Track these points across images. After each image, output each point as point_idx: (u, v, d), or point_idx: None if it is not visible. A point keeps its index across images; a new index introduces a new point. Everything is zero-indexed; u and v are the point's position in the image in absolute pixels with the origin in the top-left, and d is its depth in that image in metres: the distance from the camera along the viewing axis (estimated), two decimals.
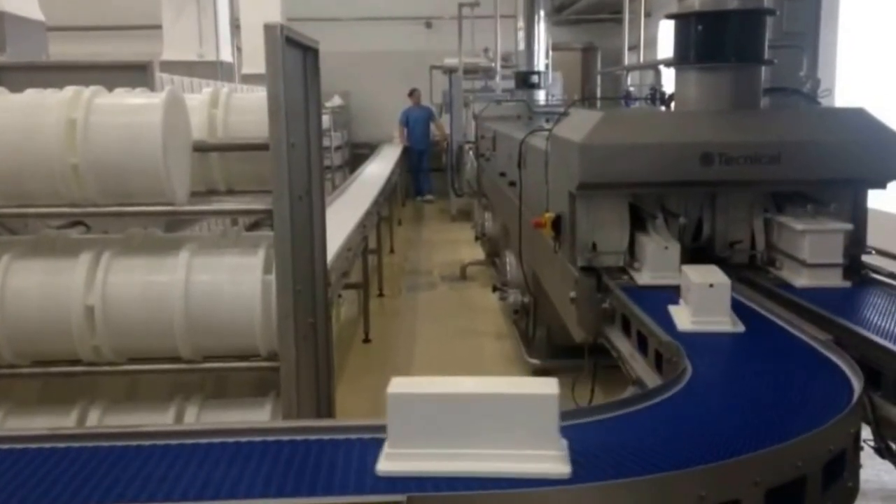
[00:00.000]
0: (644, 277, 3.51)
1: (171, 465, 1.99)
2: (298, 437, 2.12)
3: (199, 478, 1.92)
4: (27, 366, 3.33)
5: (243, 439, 2.12)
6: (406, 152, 16.68)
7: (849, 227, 3.52)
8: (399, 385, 1.97)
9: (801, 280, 3.46)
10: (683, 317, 2.96)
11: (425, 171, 17.75)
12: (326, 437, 2.12)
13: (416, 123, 17.38)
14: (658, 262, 3.50)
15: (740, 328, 2.88)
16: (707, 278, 2.95)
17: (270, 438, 2.12)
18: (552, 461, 1.88)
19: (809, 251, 3.45)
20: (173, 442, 2.12)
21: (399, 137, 17.48)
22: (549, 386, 1.93)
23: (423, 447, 1.91)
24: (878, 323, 2.93)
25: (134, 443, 2.12)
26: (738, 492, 1.90)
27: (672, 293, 3.19)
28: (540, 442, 1.88)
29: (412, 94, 17.60)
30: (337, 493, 1.83)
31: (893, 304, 3.20)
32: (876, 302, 3.25)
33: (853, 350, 2.64)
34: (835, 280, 3.44)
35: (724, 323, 2.90)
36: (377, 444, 1.99)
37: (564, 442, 1.96)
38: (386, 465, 1.91)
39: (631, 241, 3.73)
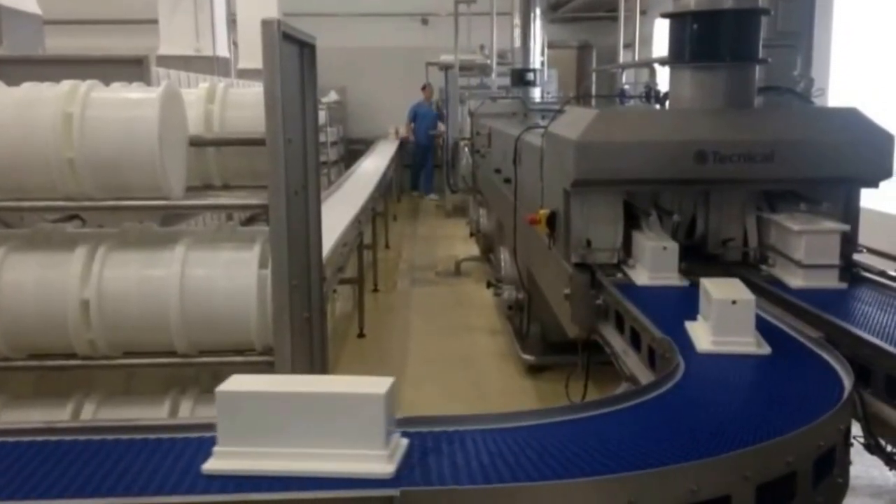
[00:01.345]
0: (642, 278, 3.52)
1: (165, 459, 2.00)
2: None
3: (193, 471, 1.92)
4: (22, 359, 3.33)
5: None
6: (403, 147, 16.66)
7: (845, 227, 3.53)
8: (231, 383, 1.97)
9: (797, 281, 3.45)
10: (703, 336, 2.72)
11: (430, 167, 17.72)
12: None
13: (424, 119, 17.36)
14: (656, 262, 3.50)
15: (766, 350, 2.63)
16: (729, 294, 2.70)
17: None
18: (378, 461, 1.88)
19: (805, 252, 3.44)
20: (168, 436, 2.13)
21: (407, 132, 17.47)
22: (378, 386, 1.93)
23: (253, 446, 1.90)
24: (869, 320, 2.95)
25: (129, 436, 2.13)
26: (729, 487, 1.92)
27: (667, 291, 3.21)
28: (367, 442, 1.88)
29: (424, 88, 17.54)
30: (164, 494, 1.83)
31: (884, 302, 3.22)
32: (867, 300, 3.27)
33: (844, 347, 2.66)
34: (830, 281, 3.43)
35: (748, 344, 2.65)
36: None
37: (404, 442, 1.97)
38: (213, 463, 1.91)
39: (625, 238, 3.75)
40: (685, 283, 3.48)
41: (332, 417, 1.89)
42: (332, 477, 1.84)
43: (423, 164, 17.68)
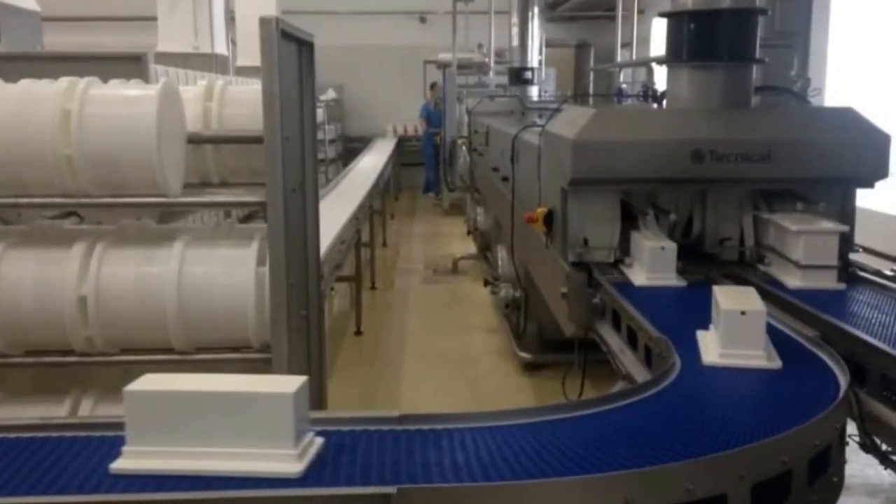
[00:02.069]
0: (640, 278, 3.51)
1: (76, 458, 1.99)
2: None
3: (101, 471, 1.92)
4: (20, 355, 3.34)
5: None
6: (400, 145, 16.64)
7: (844, 228, 3.53)
8: (140, 383, 1.97)
9: (795, 281, 3.44)
10: (711, 347, 2.61)
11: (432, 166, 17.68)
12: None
13: (435, 117, 17.34)
14: (654, 262, 3.50)
15: (776, 364, 2.52)
16: (739, 304, 2.58)
17: None
18: (286, 460, 1.88)
19: (804, 252, 3.43)
20: (84, 434, 2.13)
21: (420, 130, 17.48)
22: (288, 385, 1.93)
23: (162, 445, 1.90)
24: (865, 319, 2.96)
25: (44, 434, 2.13)
26: (725, 486, 1.93)
27: (665, 291, 3.22)
28: (276, 441, 1.88)
29: (434, 87, 17.52)
30: (69, 493, 1.82)
31: (880, 301, 3.23)
32: (862, 299, 3.28)
33: (839, 346, 2.67)
34: (829, 282, 3.41)
35: (758, 357, 2.53)
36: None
37: (319, 441, 1.98)
38: (121, 463, 1.91)
39: (623, 237, 3.75)
40: (683, 283, 3.48)
41: (242, 417, 1.89)
42: (239, 476, 1.84)
43: (436, 162, 17.63)
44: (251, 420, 1.89)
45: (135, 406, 1.93)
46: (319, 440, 2.00)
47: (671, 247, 3.52)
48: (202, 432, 1.89)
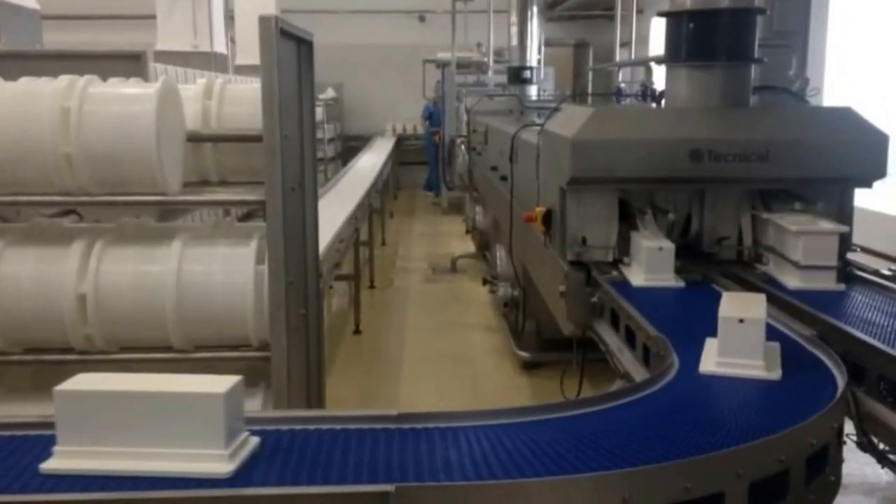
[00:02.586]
0: (638, 279, 3.50)
1: (9, 458, 1.99)
2: None
3: (31, 470, 1.91)
4: (19, 353, 3.34)
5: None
6: (398, 144, 16.62)
7: (844, 229, 3.53)
8: (71, 382, 1.96)
9: (794, 282, 3.43)
10: (711, 354, 2.54)
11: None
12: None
13: (437, 116, 17.30)
14: (652, 263, 3.49)
15: (775, 374, 2.44)
16: (739, 311, 2.50)
17: (261, 428, 2.14)
18: (217, 460, 1.87)
19: (803, 253, 3.41)
20: (21, 433, 2.13)
21: (423, 129, 17.46)
22: (219, 385, 1.92)
23: (93, 445, 1.89)
24: (862, 319, 2.96)
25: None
26: (722, 484, 1.93)
27: (663, 292, 3.23)
28: (207, 441, 1.87)
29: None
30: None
31: (877, 300, 3.24)
32: (860, 299, 3.28)
33: (837, 345, 2.68)
34: (828, 283, 3.40)
35: (756, 367, 2.45)
36: None
37: (254, 440, 1.97)
38: (51, 463, 1.90)
39: (621, 236, 3.76)
40: (681, 283, 3.48)
41: (172, 417, 1.88)
42: (168, 476, 1.84)
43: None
44: (181, 420, 1.88)
45: (65, 406, 1.91)
46: (255, 440, 1.99)
47: (669, 247, 3.51)
48: (133, 432, 1.89)
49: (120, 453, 1.88)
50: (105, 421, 1.89)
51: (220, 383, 1.93)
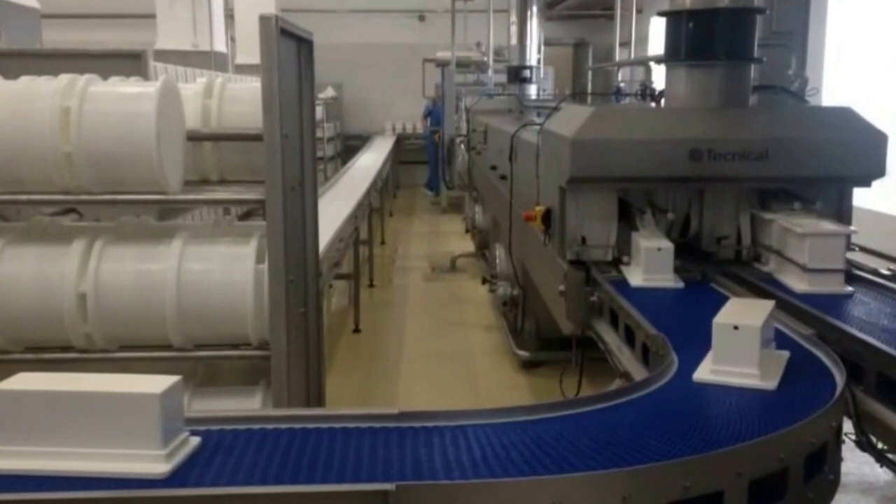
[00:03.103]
0: (636, 279, 3.50)
1: None
2: None
3: (189, 465, 1.93)
4: (19, 352, 3.35)
5: (233, 427, 2.14)
6: (398, 143, 16.61)
7: (851, 230, 3.52)
8: (10, 382, 1.95)
9: (801, 285, 3.37)
10: (708, 361, 2.50)
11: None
12: None
13: (438, 115, 17.27)
14: (651, 263, 3.48)
15: (771, 384, 2.36)
16: (735, 318, 2.44)
17: (261, 426, 2.15)
18: (153, 461, 1.87)
19: (810, 255, 3.36)
20: None
21: (423, 129, 17.45)
22: (156, 385, 1.91)
23: (30, 445, 1.89)
24: (861, 319, 2.97)
25: None
26: (722, 483, 1.93)
27: (663, 292, 3.24)
28: (143, 441, 1.87)
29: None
30: None
31: (877, 300, 3.24)
32: (859, 298, 3.28)
33: (835, 345, 2.68)
34: (836, 286, 3.34)
35: (752, 376, 2.38)
36: None
37: (194, 441, 1.97)
38: None
39: (621, 235, 3.76)
40: (680, 284, 3.48)
41: (108, 417, 1.88)
42: (104, 477, 1.83)
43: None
44: (118, 420, 1.88)
45: (2, 405, 1.91)
46: (195, 440, 1.99)
47: (668, 247, 3.51)
48: (70, 433, 1.88)
49: (56, 453, 1.87)
50: (42, 421, 1.89)
51: (158, 383, 1.92)
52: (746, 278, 3.53)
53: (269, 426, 2.15)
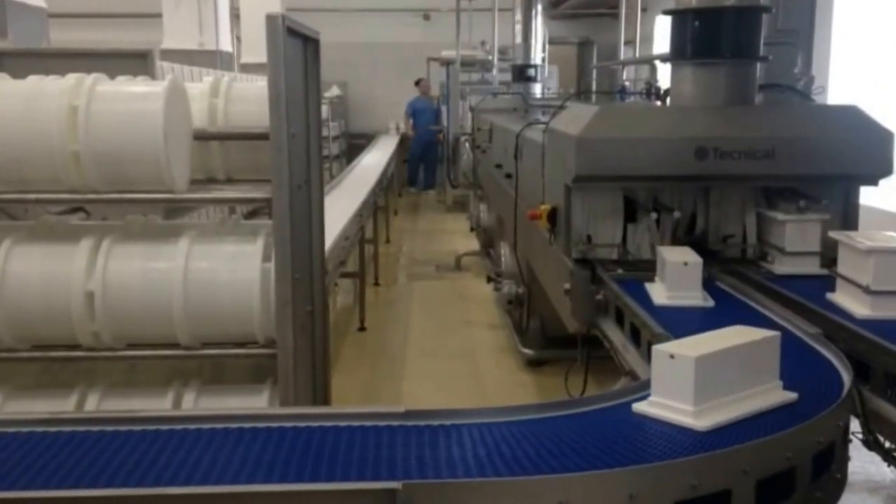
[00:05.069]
0: (660, 297, 3.19)
1: (168, 451, 2.02)
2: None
3: (196, 463, 1.95)
4: (27, 350, 3.36)
5: (240, 425, 2.15)
6: (403, 143, 16.63)
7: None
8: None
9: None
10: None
11: (432, 162, 17.59)
12: None
13: (422, 114, 17.29)
14: (677, 279, 3.18)
15: (710, 303, 2.55)
16: (684, 346, 2.24)
17: (268, 425, 2.15)
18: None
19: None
20: (171, 427, 2.15)
21: (406, 128, 17.44)
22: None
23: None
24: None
25: (132, 427, 2.15)
26: (729, 482, 1.94)
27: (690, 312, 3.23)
28: None
29: (419, 83, 17.49)
30: None
31: None
32: None
33: (842, 343, 2.68)
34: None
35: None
36: None
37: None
38: None
39: (625, 233, 3.77)
40: (710, 302, 3.16)
41: None
42: None
43: (422, 160, 17.58)
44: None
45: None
46: None
47: (696, 262, 3.19)
48: None
49: None
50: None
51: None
52: (751, 276, 3.52)
53: (276, 424, 2.15)
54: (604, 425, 2.15)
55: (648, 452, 1.96)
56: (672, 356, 2.15)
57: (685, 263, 3.18)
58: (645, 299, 3.15)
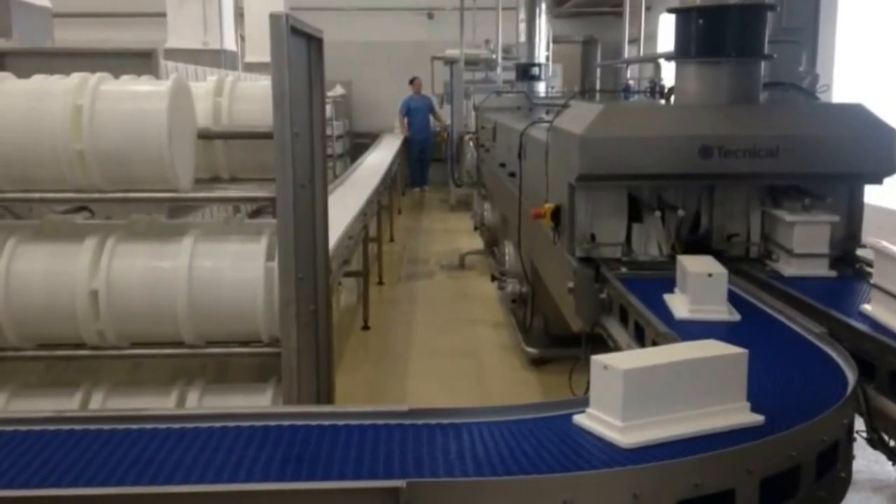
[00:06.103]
0: (682, 310, 2.95)
1: (173, 449, 2.02)
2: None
3: (200, 461, 1.95)
4: (32, 348, 3.37)
5: (244, 423, 2.15)
6: (406, 143, 16.65)
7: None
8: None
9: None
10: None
11: (426, 161, 17.67)
12: None
13: (417, 113, 17.32)
14: (700, 292, 2.95)
15: (736, 317, 2.51)
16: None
17: (272, 423, 2.16)
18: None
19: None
20: (175, 426, 2.15)
21: (400, 127, 17.45)
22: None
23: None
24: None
25: (136, 426, 2.15)
26: (733, 481, 1.93)
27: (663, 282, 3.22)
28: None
29: (413, 82, 17.53)
30: None
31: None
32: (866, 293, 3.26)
33: (847, 342, 2.67)
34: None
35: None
36: None
37: None
38: None
39: (629, 232, 3.76)
40: (736, 316, 2.93)
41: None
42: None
43: (420, 158, 17.61)
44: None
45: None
46: None
47: (720, 273, 2.96)
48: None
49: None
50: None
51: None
52: (755, 275, 3.51)
53: (279, 423, 2.15)
54: (543, 433, 2.10)
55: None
56: (605, 367, 2.03)
57: (709, 275, 2.95)
58: (657, 304, 3.04)
